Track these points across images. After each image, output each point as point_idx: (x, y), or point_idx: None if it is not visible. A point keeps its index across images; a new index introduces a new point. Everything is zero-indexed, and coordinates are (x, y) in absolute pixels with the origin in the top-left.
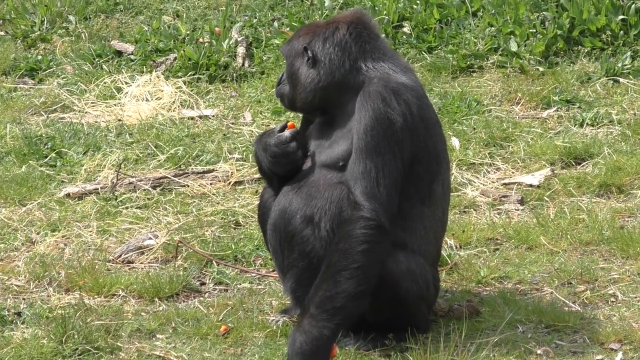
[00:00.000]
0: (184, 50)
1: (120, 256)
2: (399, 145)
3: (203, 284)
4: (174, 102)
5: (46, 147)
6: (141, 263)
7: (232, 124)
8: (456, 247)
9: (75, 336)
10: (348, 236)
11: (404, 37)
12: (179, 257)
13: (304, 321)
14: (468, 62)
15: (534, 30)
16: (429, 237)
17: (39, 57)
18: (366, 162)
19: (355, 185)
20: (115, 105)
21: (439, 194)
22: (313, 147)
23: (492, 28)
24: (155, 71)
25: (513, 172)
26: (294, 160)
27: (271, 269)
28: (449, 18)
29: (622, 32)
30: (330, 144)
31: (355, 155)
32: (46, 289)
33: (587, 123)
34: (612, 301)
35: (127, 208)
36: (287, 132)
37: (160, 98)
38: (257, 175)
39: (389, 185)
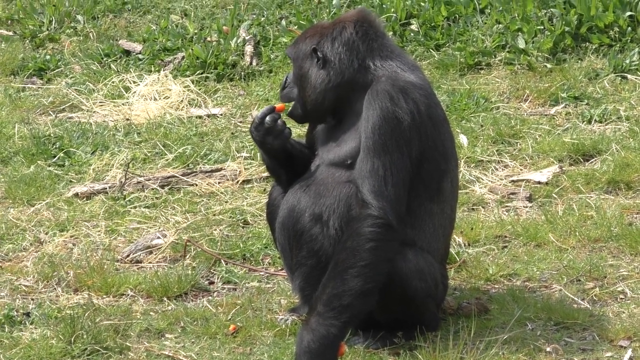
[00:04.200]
0: (192, 49)
1: (128, 256)
2: (407, 143)
3: (212, 283)
4: (182, 101)
5: (54, 146)
6: (149, 262)
7: (240, 122)
8: (465, 245)
9: (84, 336)
10: (356, 234)
11: (412, 34)
12: (188, 257)
13: (311, 319)
14: (476, 59)
15: (542, 27)
16: (437, 235)
17: (47, 57)
18: (374, 161)
19: (363, 183)
20: (123, 104)
21: (448, 192)
22: (321, 145)
23: (500, 25)
24: (163, 70)
25: (521, 169)
26: (278, 133)
27: (280, 268)
28: (457, 15)
29: (629, 28)
30: (338, 142)
31: (363, 154)
32: (55, 289)
33: (595, 120)
34: (621, 298)
35: (135, 207)
36: (258, 112)
37: (168, 97)
38: (265, 174)
39: (397, 184)
